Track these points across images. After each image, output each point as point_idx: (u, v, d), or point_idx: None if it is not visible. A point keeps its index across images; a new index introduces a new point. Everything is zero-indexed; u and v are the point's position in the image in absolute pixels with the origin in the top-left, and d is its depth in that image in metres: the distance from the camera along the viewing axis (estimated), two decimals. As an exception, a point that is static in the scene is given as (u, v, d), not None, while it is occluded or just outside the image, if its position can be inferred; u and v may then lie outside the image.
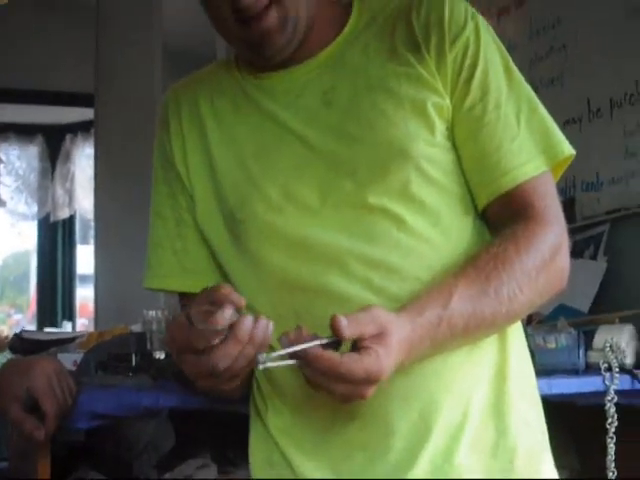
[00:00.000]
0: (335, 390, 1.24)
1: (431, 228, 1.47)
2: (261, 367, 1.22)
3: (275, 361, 1.23)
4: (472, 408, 1.44)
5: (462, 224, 1.51)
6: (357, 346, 1.25)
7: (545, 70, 3.52)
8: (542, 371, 2.36)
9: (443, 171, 1.49)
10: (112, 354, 2.15)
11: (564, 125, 3.42)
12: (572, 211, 3.40)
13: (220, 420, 2.27)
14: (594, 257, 3.28)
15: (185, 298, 1.66)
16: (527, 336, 2.40)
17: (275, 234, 1.48)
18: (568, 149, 1.53)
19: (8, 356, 1.93)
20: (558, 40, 3.53)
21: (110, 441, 2.40)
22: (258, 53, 1.54)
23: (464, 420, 1.43)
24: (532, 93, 1.56)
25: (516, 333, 1.54)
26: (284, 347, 1.22)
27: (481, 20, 1.55)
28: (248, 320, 1.23)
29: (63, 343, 2.56)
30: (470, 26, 1.52)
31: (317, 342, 1.22)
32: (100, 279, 4.88)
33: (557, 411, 2.09)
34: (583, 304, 3.13)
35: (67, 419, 1.88)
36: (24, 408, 1.80)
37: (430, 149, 1.48)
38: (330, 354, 1.21)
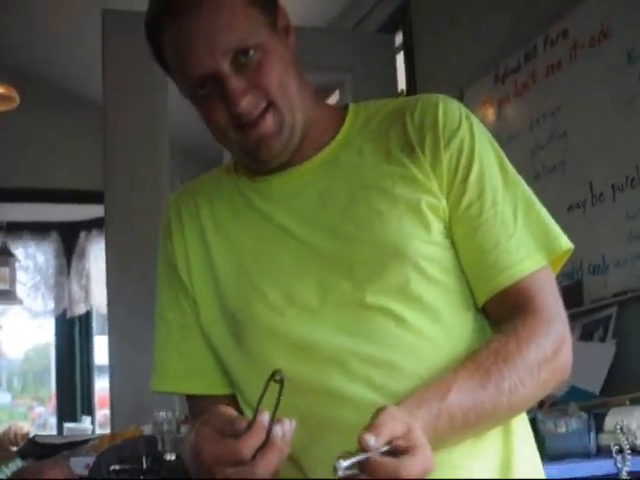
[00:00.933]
0: None
1: (431, 325, 1.47)
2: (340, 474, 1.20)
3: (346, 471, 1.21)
4: None
5: (463, 320, 1.51)
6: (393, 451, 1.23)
7: (547, 157, 3.56)
8: (554, 456, 2.39)
9: (442, 269, 1.50)
10: (123, 457, 2.16)
11: (568, 210, 3.47)
12: (580, 294, 3.41)
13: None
14: (603, 339, 3.27)
15: (193, 399, 1.67)
16: (537, 422, 2.44)
17: (276, 335, 1.50)
18: (566, 243, 1.53)
19: (19, 464, 1.92)
20: (558, 127, 3.56)
21: None
22: (254, 158, 1.56)
23: None
24: (528, 189, 1.56)
25: (520, 422, 1.53)
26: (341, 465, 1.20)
27: (475, 120, 1.57)
28: (285, 425, 1.23)
29: (75, 446, 2.57)
30: (464, 127, 1.54)
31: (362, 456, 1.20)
32: (115, 373, 4.91)
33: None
34: (594, 386, 3.12)
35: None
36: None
37: (427, 247, 1.49)
38: (389, 460, 1.19)
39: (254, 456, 1.21)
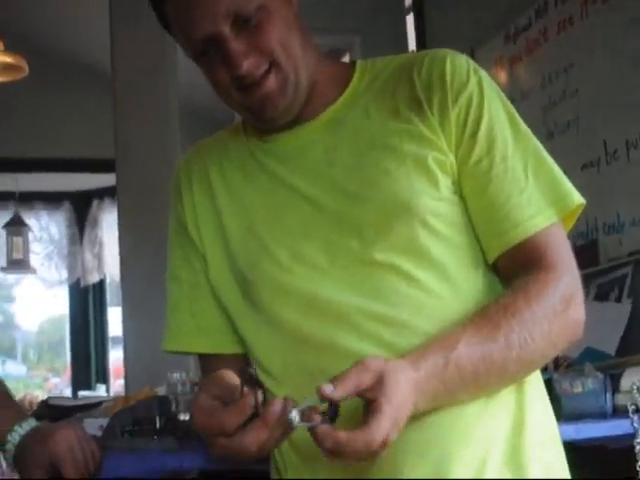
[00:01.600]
0: (347, 461, 1.26)
1: (440, 283, 1.47)
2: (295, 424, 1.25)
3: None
4: (489, 460, 1.42)
5: (472, 278, 1.50)
6: (363, 399, 1.27)
7: (560, 115, 3.54)
8: (570, 416, 2.37)
9: (451, 225, 1.50)
10: (136, 418, 2.17)
11: (582, 169, 3.44)
12: (595, 254, 3.39)
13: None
14: (619, 299, 3.23)
15: (204, 359, 1.68)
16: (553, 382, 2.43)
17: (286, 293, 1.50)
18: (578, 198, 1.52)
19: (32, 424, 1.92)
20: (571, 85, 3.54)
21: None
22: (259, 117, 1.56)
23: (481, 473, 1.41)
24: (539, 145, 1.55)
25: (534, 381, 1.53)
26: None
27: (483, 74, 1.56)
28: (276, 405, 1.25)
29: (89, 409, 2.59)
30: (473, 81, 1.53)
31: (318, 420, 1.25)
32: (129, 342, 4.94)
33: (587, 455, 2.08)
34: (610, 347, 3.08)
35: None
36: (48, 476, 1.82)
37: (436, 204, 1.48)
38: (334, 435, 1.23)
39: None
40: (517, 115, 1.56)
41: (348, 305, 1.45)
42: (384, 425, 1.24)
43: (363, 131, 1.54)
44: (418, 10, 4.48)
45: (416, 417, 1.34)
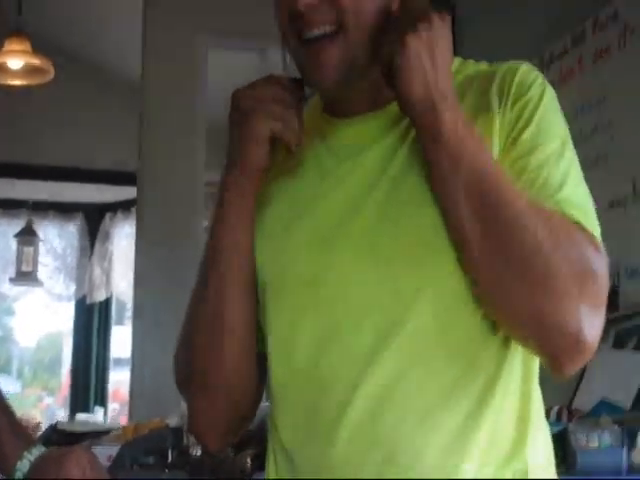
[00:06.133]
0: None
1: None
2: None
3: None
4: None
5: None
6: None
7: (590, 149, 3.47)
8: (584, 471, 2.35)
9: None
10: (148, 449, 2.16)
11: (608, 207, 3.35)
12: (614, 299, 3.28)
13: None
14: (637, 348, 3.18)
15: None
16: (568, 433, 2.34)
17: (309, 301, 1.46)
18: (599, 235, 1.44)
19: (41, 450, 1.87)
20: (603, 117, 3.49)
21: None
22: (307, 78, 1.51)
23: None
24: (581, 174, 1.49)
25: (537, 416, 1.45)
26: None
27: (550, 90, 1.51)
28: None
29: (98, 435, 2.58)
30: (535, 90, 1.49)
31: None
32: (136, 366, 4.87)
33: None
34: (626, 398, 3.04)
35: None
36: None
37: None
38: None
39: None
40: (570, 140, 1.51)
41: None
42: None
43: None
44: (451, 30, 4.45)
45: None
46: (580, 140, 3.44)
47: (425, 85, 1.33)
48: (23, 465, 1.82)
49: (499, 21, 4.27)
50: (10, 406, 1.98)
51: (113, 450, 2.23)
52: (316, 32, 1.44)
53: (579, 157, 1.37)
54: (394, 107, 1.49)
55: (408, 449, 1.33)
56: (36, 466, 1.82)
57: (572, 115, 3.58)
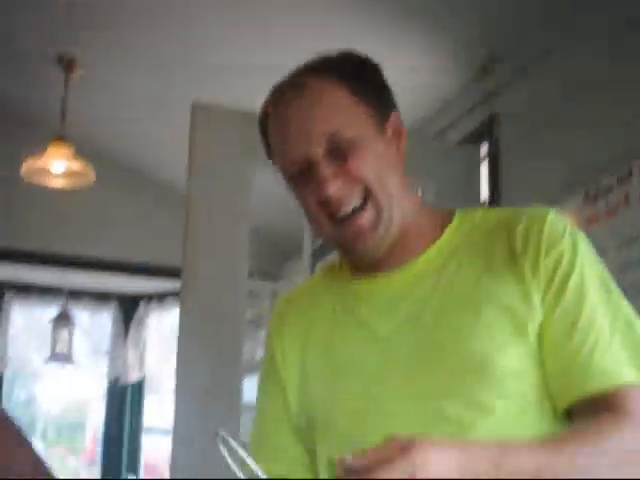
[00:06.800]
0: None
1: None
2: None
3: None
4: None
5: (528, 427, 1.49)
6: None
7: (636, 278, 3.44)
8: None
9: (523, 381, 1.50)
10: None
11: None
12: None
13: None
14: None
15: None
16: None
17: (353, 443, 1.47)
18: None
19: None
20: None
21: None
22: (349, 252, 1.62)
23: None
24: (631, 311, 1.53)
25: None
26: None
27: (581, 237, 1.56)
28: None
29: None
30: (567, 238, 1.53)
31: None
32: (178, 443, 4.83)
33: None
34: None
35: None
36: None
37: (515, 361, 1.49)
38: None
39: None
40: (611, 280, 1.55)
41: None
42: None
43: (454, 285, 1.56)
44: (493, 160, 4.47)
45: None
46: (625, 267, 3.48)
47: None
48: None
49: (543, 152, 4.21)
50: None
51: None
52: (349, 209, 1.53)
53: (626, 283, 1.43)
54: (419, 264, 1.59)
55: None
56: None
57: (618, 245, 3.52)
